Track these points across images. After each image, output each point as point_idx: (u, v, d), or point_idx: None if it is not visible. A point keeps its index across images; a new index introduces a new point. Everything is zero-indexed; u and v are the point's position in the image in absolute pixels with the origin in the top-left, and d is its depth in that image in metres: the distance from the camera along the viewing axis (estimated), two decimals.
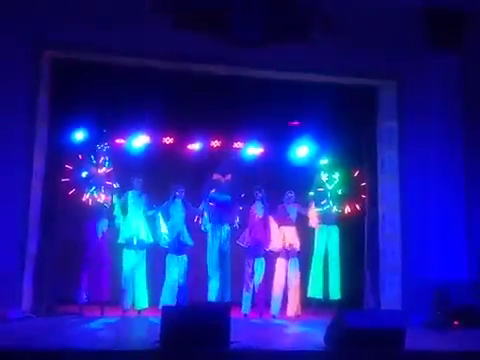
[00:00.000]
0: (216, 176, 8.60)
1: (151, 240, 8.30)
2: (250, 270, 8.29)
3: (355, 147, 8.65)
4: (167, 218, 8.35)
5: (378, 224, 8.28)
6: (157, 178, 8.81)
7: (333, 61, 7.88)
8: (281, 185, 8.80)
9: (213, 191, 8.49)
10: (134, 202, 8.29)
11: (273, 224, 8.45)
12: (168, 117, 8.25)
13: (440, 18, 8.06)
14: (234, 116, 8.31)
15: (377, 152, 8.40)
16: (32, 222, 7.43)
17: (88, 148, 8.40)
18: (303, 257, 8.55)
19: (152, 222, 8.38)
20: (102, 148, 8.40)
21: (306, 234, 8.64)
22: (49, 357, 4.86)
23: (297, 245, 8.41)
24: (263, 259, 8.34)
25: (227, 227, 8.42)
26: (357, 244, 8.54)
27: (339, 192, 8.64)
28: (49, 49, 7.57)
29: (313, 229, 8.60)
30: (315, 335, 5.98)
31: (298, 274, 8.39)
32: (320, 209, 8.55)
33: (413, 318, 7.16)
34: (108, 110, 8.02)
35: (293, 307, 8.29)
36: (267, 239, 8.33)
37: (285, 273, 8.36)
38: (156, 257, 8.42)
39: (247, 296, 8.26)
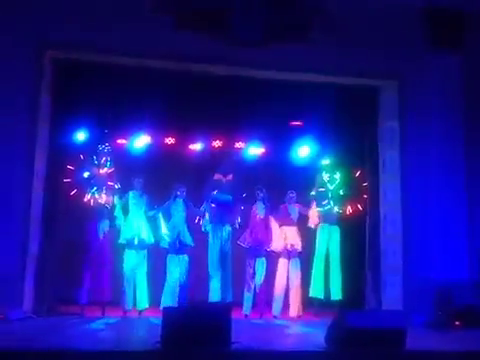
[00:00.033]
0: (217, 176, 8.60)
1: (152, 240, 8.30)
2: (251, 270, 8.29)
3: (356, 147, 8.66)
4: (168, 218, 8.35)
5: (379, 224, 8.28)
6: (158, 178, 8.81)
7: (333, 61, 7.88)
8: (282, 185, 8.80)
9: (215, 192, 8.48)
10: (135, 202, 8.29)
11: (274, 224, 8.45)
12: (169, 117, 8.28)
13: (440, 18, 8.06)
14: (235, 116, 8.31)
15: (378, 152, 8.40)
16: (33, 222, 7.44)
17: (90, 148, 8.41)
18: (304, 257, 8.55)
19: (153, 222, 8.38)
20: (103, 148, 8.41)
21: (307, 234, 8.64)
22: (50, 357, 4.86)
23: (299, 245, 8.41)
24: (264, 259, 8.34)
25: (228, 227, 8.42)
26: (358, 244, 8.55)
27: (340, 192, 8.64)
28: (50, 49, 7.58)
29: (314, 229, 8.59)
30: (316, 335, 5.98)
31: (299, 274, 8.39)
32: (321, 209, 8.55)
33: (414, 318, 7.15)
34: (109, 110, 8.04)
35: (295, 307, 8.29)
36: (268, 239, 8.33)
37: (287, 273, 8.36)
38: (157, 257, 8.42)
39: (248, 296, 8.26)
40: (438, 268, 7.83)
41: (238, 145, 9.44)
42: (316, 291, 8.44)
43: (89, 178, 8.22)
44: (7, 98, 7.35)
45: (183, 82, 7.83)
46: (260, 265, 8.29)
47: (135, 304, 8.16)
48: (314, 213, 8.55)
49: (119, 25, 7.43)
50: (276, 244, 8.36)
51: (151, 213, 8.34)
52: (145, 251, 8.25)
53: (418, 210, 8.05)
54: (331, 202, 8.57)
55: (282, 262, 8.39)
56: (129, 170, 8.50)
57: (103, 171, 8.34)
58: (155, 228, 8.36)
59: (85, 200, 8.17)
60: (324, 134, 8.76)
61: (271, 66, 7.87)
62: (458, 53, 8.20)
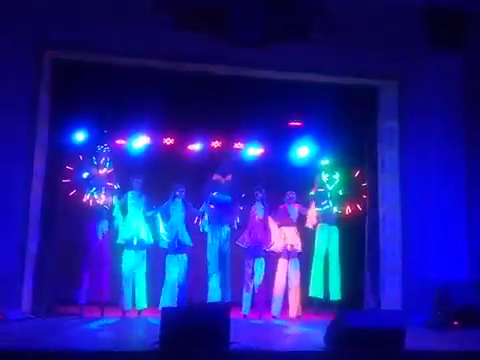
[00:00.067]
0: (216, 177, 8.60)
1: (151, 240, 8.30)
2: (250, 271, 8.28)
3: (356, 147, 8.66)
4: (167, 218, 8.35)
5: (379, 224, 8.27)
6: (157, 179, 8.80)
7: (333, 61, 7.87)
8: (281, 186, 8.79)
9: (214, 193, 8.48)
10: (134, 203, 8.29)
11: (273, 225, 8.44)
12: (168, 117, 8.26)
13: (440, 18, 8.06)
14: (234, 116, 8.31)
15: (378, 152, 8.40)
16: (32, 222, 7.43)
17: (89, 149, 8.41)
18: (304, 257, 8.54)
19: (152, 222, 8.38)
20: (103, 149, 8.41)
21: (307, 234, 8.63)
22: (49, 358, 4.86)
23: (298, 246, 8.40)
24: (263, 260, 8.33)
25: (227, 228, 8.42)
26: (357, 244, 8.54)
27: (340, 192, 8.63)
28: (50, 49, 7.58)
29: (313, 229, 8.58)
30: (315, 335, 5.96)
31: (298, 274, 8.39)
32: (320, 209, 8.54)
33: (413, 318, 7.15)
34: (109, 110, 8.01)
35: (294, 308, 8.28)
36: (267, 240, 8.33)
37: (286, 273, 8.35)
38: (156, 257, 8.42)
39: (247, 297, 8.25)
40: (437, 268, 7.82)
41: (237, 145, 9.42)
42: (315, 291, 8.44)
43: (88, 178, 8.22)
44: (6, 98, 7.34)
45: (183, 82, 7.82)
46: (259, 265, 8.29)
47: (134, 304, 8.16)
48: (312, 213, 8.55)
49: (119, 25, 7.42)
50: (276, 244, 8.36)
51: (149, 213, 8.34)
52: (144, 251, 8.25)
53: (417, 210, 8.04)
54: (330, 202, 8.56)
55: (281, 262, 8.39)
56: (128, 170, 8.50)
57: (102, 171, 8.33)
58: (154, 228, 8.36)
59: (84, 200, 8.16)
60: (323, 134, 8.75)
61: (271, 66, 7.86)
62: (458, 53, 8.20)
